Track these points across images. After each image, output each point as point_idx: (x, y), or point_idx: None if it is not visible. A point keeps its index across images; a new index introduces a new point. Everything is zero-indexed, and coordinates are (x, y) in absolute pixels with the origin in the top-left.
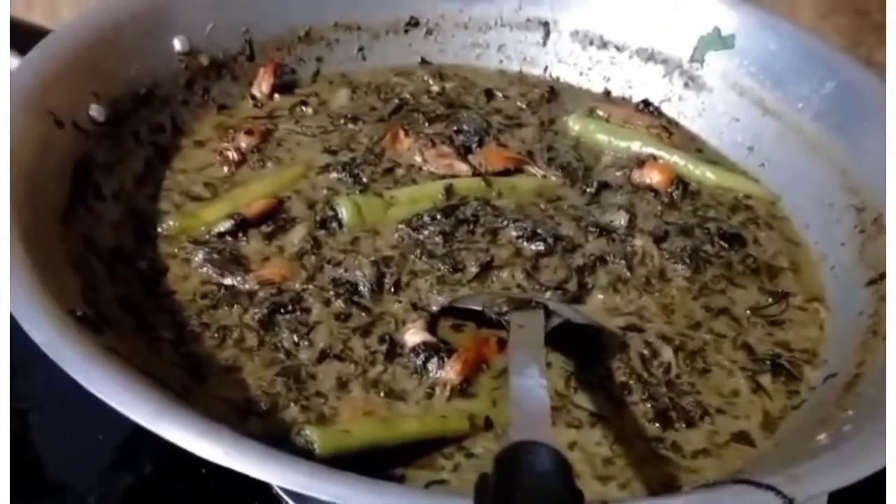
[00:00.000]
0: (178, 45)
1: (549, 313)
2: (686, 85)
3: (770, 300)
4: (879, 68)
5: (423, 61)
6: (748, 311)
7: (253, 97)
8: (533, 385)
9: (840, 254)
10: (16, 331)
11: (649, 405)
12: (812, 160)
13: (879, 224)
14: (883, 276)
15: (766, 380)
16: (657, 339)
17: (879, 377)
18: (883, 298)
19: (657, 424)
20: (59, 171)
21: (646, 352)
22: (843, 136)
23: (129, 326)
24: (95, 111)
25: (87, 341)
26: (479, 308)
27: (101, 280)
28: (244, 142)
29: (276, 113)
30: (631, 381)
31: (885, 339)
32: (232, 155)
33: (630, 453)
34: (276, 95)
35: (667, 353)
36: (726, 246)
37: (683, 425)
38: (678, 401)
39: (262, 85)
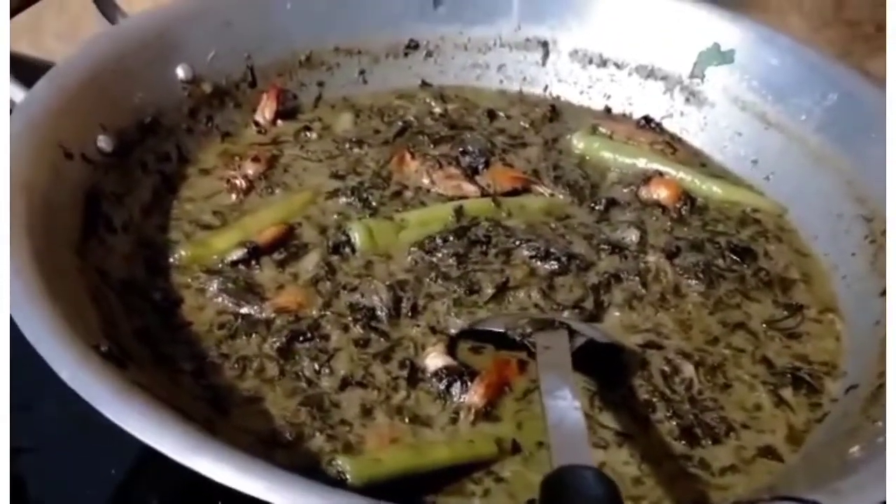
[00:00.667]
0: (181, 73)
1: (572, 333)
2: (687, 100)
3: (785, 313)
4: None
5: (424, 83)
6: (764, 325)
7: (256, 124)
8: (567, 407)
9: (851, 264)
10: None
11: (674, 422)
12: (817, 172)
13: None
14: None
15: (787, 393)
16: (677, 355)
17: None
18: None
19: (683, 442)
20: (72, 202)
21: (666, 368)
22: (848, 148)
23: (148, 359)
24: (103, 142)
25: (114, 377)
26: (501, 330)
27: (117, 313)
28: (251, 169)
29: (281, 139)
30: (654, 399)
31: None
32: (240, 182)
33: (658, 472)
34: (280, 121)
35: (688, 370)
36: (738, 260)
37: (709, 442)
38: (702, 417)
39: (266, 111)
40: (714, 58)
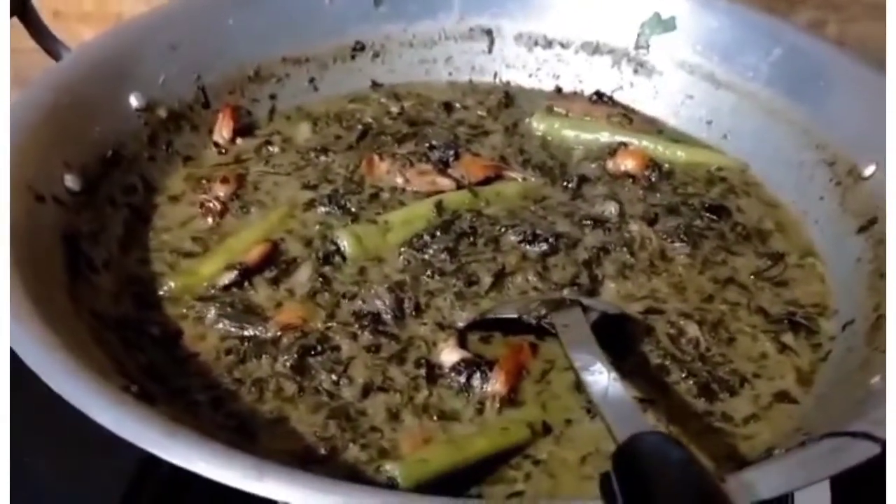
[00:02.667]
0: (134, 101)
1: (584, 309)
2: (636, 71)
3: (769, 263)
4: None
5: (375, 84)
6: (752, 277)
7: (216, 144)
8: (606, 380)
9: (820, 208)
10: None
11: (690, 381)
12: (772, 125)
13: (855, 174)
14: (873, 222)
15: (788, 338)
16: (679, 317)
17: None
18: (880, 242)
19: (703, 399)
20: (52, 246)
21: (672, 331)
22: (799, 99)
23: (163, 395)
24: (70, 181)
25: (155, 416)
26: (515, 316)
27: (119, 353)
28: (221, 190)
29: (243, 157)
30: (667, 362)
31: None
32: (213, 205)
33: (687, 431)
34: (238, 139)
35: (692, 329)
36: (714, 218)
37: (727, 395)
38: (715, 373)
39: (223, 131)
40: (656, 26)
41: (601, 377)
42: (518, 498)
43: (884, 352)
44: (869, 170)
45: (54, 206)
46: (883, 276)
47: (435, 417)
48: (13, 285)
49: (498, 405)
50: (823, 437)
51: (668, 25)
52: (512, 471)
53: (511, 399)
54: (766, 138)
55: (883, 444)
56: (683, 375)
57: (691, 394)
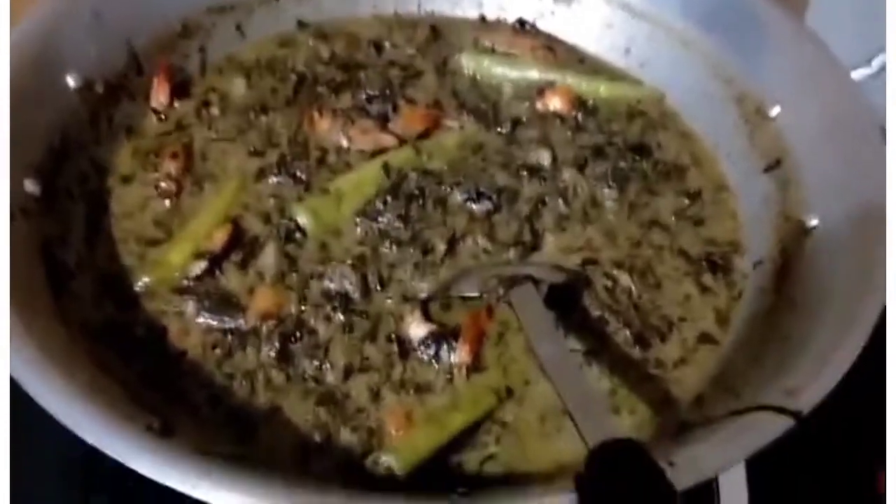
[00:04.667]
0: (71, 81)
1: (535, 282)
2: None
3: (687, 202)
4: None
5: (301, 24)
6: (673, 217)
7: (155, 111)
8: (573, 375)
9: (731, 141)
10: None
11: (627, 332)
12: (685, 55)
13: (762, 113)
14: (778, 162)
15: (708, 279)
16: (612, 267)
17: (816, 269)
18: (785, 184)
19: (638, 347)
20: (31, 265)
21: (608, 283)
22: (710, 31)
23: (163, 403)
24: (30, 185)
25: (180, 453)
26: (476, 295)
27: (118, 367)
28: (172, 167)
29: (184, 122)
30: (605, 314)
31: (798, 223)
32: (167, 185)
33: (626, 381)
34: (176, 102)
35: (624, 279)
36: (637, 157)
37: (658, 341)
38: (648, 320)
39: (160, 95)
40: None
41: (563, 364)
42: (493, 461)
43: (794, 305)
44: (774, 110)
45: (23, 219)
46: (788, 218)
47: (412, 391)
48: (15, 329)
49: (465, 373)
50: (747, 411)
51: None
52: (484, 436)
53: (476, 366)
54: (681, 68)
55: (797, 416)
56: (620, 325)
57: (628, 343)
